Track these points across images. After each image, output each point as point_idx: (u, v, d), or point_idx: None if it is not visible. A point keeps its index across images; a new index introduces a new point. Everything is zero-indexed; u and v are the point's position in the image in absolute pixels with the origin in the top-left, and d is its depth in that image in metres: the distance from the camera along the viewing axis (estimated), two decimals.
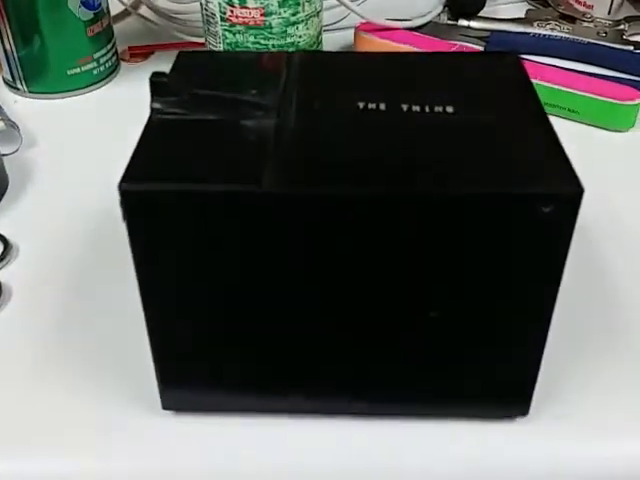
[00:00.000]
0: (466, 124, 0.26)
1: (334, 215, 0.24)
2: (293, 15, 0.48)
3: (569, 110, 0.49)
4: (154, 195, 0.24)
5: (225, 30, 0.48)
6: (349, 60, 0.32)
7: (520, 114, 0.27)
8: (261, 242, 0.25)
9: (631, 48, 0.58)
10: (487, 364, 0.28)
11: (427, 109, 0.27)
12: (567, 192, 0.23)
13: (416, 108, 0.27)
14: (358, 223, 0.24)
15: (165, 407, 0.30)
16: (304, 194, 0.24)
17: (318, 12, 0.50)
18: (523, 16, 0.61)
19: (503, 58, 0.31)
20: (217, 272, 0.26)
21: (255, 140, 0.26)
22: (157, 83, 0.27)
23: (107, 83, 0.55)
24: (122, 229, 0.25)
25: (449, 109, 0.27)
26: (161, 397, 0.30)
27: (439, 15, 0.59)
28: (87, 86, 0.53)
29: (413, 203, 0.24)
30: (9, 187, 0.44)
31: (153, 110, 0.27)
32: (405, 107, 0.27)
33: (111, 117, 0.50)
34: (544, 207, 0.23)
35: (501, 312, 0.26)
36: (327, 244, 0.25)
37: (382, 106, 0.27)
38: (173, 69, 0.30)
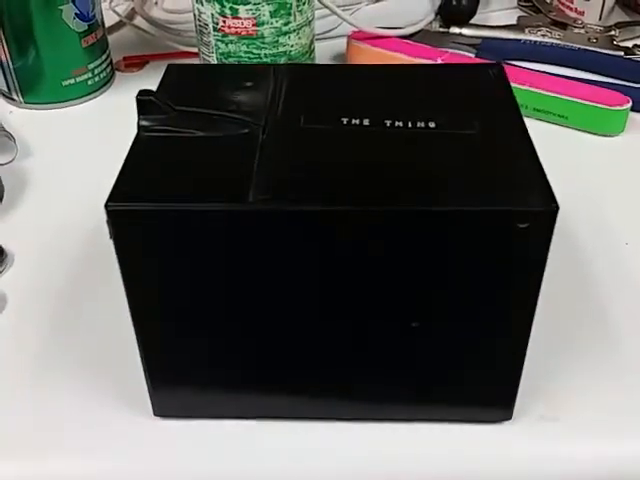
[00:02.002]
0: (447, 140, 0.27)
1: (317, 231, 0.25)
2: (285, 25, 0.48)
3: (559, 116, 0.50)
4: (140, 214, 0.24)
5: (218, 40, 0.49)
6: (334, 74, 0.32)
7: (500, 129, 0.27)
8: (247, 257, 0.25)
9: (622, 54, 0.58)
10: (470, 371, 0.29)
11: (410, 124, 0.27)
12: (542, 210, 0.24)
13: (399, 123, 0.27)
14: (335, 238, 0.25)
15: (156, 414, 0.31)
16: (288, 211, 0.24)
17: (310, 21, 0.50)
18: (514, 23, 0.61)
19: (487, 69, 0.31)
20: (202, 286, 0.26)
21: (240, 157, 0.26)
22: (144, 101, 0.27)
23: (102, 93, 0.55)
24: None
25: (431, 124, 0.27)
26: (152, 404, 0.30)
27: (431, 23, 0.59)
28: (82, 96, 0.53)
29: (388, 219, 0.24)
30: (5, 196, 0.44)
31: (140, 127, 0.27)
32: (388, 122, 0.28)
33: (106, 127, 0.51)
34: (520, 223, 0.24)
35: (481, 321, 0.27)
36: (312, 258, 0.25)
37: (366, 121, 0.28)
38: (160, 85, 0.30)
